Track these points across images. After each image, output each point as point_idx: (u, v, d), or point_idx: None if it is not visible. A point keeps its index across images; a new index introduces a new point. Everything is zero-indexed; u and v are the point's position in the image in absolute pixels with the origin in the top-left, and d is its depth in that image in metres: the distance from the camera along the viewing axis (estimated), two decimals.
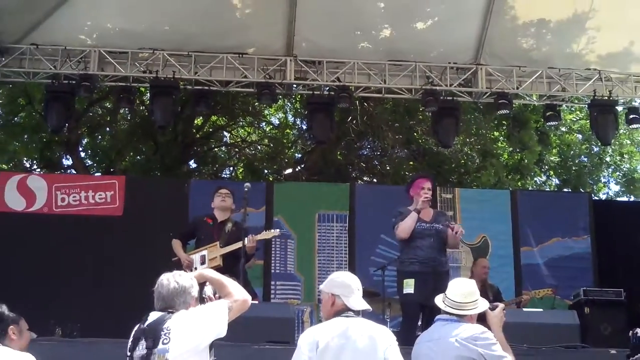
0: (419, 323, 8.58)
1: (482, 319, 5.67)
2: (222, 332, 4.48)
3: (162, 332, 4.29)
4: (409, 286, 8.44)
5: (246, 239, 8.44)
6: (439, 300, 5.63)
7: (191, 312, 4.47)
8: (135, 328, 4.47)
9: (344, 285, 5.05)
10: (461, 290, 5.55)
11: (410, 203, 8.88)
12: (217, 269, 8.17)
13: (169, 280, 4.53)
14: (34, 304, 9.50)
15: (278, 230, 9.21)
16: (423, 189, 8.76)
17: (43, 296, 11.02)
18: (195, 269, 8.51)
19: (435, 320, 5.65)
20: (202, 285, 5.12)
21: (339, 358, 4.75)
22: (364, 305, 5.02)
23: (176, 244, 9.08)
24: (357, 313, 4.99)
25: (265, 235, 8.85)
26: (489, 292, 10.45)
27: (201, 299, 5.08)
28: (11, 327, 5.34)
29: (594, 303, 10.02)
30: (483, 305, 5.59)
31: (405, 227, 8.64)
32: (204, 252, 8.76)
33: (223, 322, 4.47)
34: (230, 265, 8.39)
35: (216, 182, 14.60)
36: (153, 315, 4.44)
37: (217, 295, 5.01)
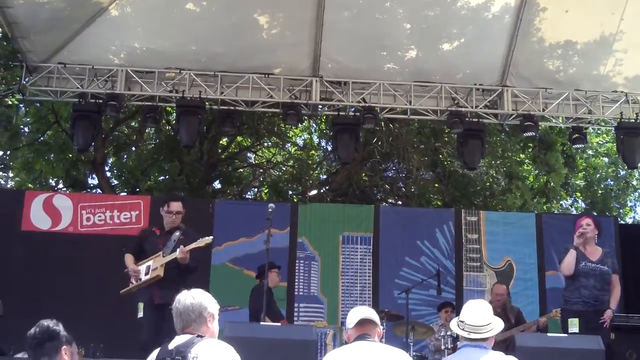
0: None
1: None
2: None
3: (189, 356, 4.23)
4: (574, 325, 8.59)
5: (178, 250, 8.24)
6: (454, 325, 5.53)
7: (223, 346, 4.38)
8: (158, 350, 4.43)
9: (348, 318, 5.12)
10: (477, 313, 5.44)
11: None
12: (157, 280, 8.25)
13: (185, 296, 4.53)
14: None
15: (211, 237, 8.64)
16: (582, 226, 8.85)
17: (66, 316, 10.94)
18: (140, 279, 8.46)
19: (460, 347, 5.52)
20: None
21: None
22: (358, 316, 5.03)
23: (127, 258, 8.74)
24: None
25: (197, 244, 8.39)
26: (509, 314, 10.39)
27: None
28: (64, 347, 5.31)
29: (619, 328, 9.86)
30: (498, 326, 5.49)
31: (565, 264, 8.73)
32: (150, 263, 8.52)
33: None
34: (173, 276, 8.21)
35: (241, 203, 14.57)
36: (180, 339, 4.39)
37: None
